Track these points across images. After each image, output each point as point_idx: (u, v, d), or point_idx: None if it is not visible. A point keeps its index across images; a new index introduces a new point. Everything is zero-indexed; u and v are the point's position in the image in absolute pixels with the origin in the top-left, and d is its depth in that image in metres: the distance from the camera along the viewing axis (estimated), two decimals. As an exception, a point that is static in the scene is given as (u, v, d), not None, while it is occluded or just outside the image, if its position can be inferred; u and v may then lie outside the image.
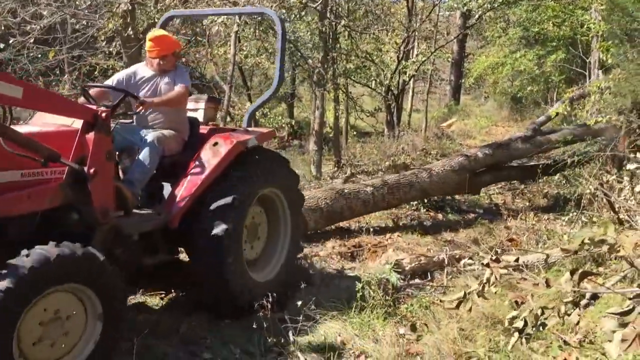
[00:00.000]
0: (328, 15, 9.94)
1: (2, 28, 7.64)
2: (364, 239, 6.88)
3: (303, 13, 10.24)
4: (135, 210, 4.34)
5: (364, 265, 6.06)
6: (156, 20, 7.25)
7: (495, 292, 2.94)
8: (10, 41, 7.41)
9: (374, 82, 13.84)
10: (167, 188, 4.54)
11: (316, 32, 11.06)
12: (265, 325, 4.05)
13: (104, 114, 3.85)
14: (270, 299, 4.23)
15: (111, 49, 8.51)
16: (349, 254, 6.42)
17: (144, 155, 4.37)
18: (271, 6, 8.23)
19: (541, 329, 2.76)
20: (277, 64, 5.27)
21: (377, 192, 7.61)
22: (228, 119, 10.30)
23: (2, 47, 7.43)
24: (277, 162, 5.02)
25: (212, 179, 4.43)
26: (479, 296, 2.80)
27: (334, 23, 10.26)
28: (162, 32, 4.93)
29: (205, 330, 4.39)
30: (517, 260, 2.83)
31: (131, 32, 7.47)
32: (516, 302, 3.16)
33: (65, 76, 9.98)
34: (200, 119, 5.14)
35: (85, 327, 3.44)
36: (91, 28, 8.25)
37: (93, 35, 8.34)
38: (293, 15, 9.84)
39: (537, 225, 6.86)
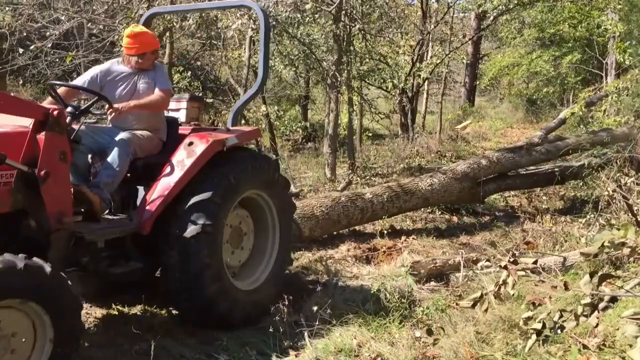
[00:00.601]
0: (342, 18, 9.94)
1: (24, 34, 7.74)
2: (378, 241, 6.86)
3: (317, 16, 10.27)
4: (108, 216, 4.18)
5: (379, 268, 6.04)
6: (174, 24, 7.32)
7: (513, 294, 2.92)
8: (31, 47, 7.50)
9: (390, 84, 13.81)
10: (141, 192, 4.32)
11: (330, 35, 11.07)
12: (281, 328, 4.06)
13: (56, 112, 3.56)
14: (287, 302, 4.22)
15: (127, 53, 8.57)
16: (364, 257, 6.40)
17: (112, 157, 4.16)
18: (286, 10, 8.27)
19: (559, 331, 2.73)
20: (260, 59, 5.02)
21: (375, 199, 7.33)
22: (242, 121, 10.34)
23: (21, 52, 7.52)
24: (263, 163, 4.72)
25: (186, 181, 4.19)
26: (495, 297, 2.78)
27: (348, 26, 10.25)
28: (142, 28, 4.67)
29: (221, 332, 4.40)
30: (535, 262, 2.81)
31: (147, 36, 7.51)
32: (533, 303, 3.13)
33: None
34: (183, 118, 4.92)
35: (34, 346, 3.14)
36: (110, 32, 8.33)
37: (111, 40, 8.42)
38: (307, 19, 9.86)
39: (554, 228, 6.79)
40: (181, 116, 4.94)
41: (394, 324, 4.45)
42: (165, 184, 4.16)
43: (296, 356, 4.03)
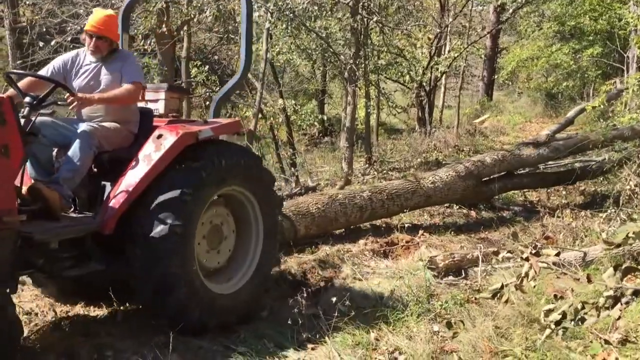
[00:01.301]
0: (360, 11, 9.89)
1: (44, 29, 7.82)
2: (396, 236, 6.83)
3: (334, 9, 10.22)
4: (72, 214, 3.93)
5: (397, 262, 6.03)
6: (191, 16, 7.34)
7: (534, 287, 2.88)
8: (52, 42, 7.58)
9: (407, 77, 13.73)
10: (108, 188, 4.01)
11: (347, 29, 11.03)
12: (299, 321, 4.06)
13: None
14: (305, 295, 4.22)
15: (146, 47, 8.64)
16: (382, 251, 6.39)
17: (73, 150, 3.85)
18: (303, 2, 8.24)
19: (580, 324, 2.69)
20: (242, 46, 4.69)
21: (375, 197, 7.09)
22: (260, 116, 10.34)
23: (41, 45, 7.60)
24: (244, 157, 4.39)
25: (152, 176, 3.89)
26: (516, 289, 2.75)
27: (365, 19, 10.20)
28: (111, 12, 4.40)
29: (239, 324, 4.41)
30: (557, 254, 2.77)
31: (165, 30, 7.56)
32: (555, 296, 3.08)
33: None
34: (161, 110, 4.61)
35: None
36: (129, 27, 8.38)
37: (131, 34, 8.48)
38: (325, 12, 9.82)
39: (573, 223, 6.71)
40: (159, 107, 4.63)
41: (411, 318, 4.43)
42: (129, 180, 3.88)
43: (313, 349, 4.03)
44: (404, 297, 4.74)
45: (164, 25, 7.50)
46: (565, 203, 8.55)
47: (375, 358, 3.84)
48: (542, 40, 19.35)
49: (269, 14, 8.24)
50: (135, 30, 8.34)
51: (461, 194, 7.89)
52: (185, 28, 8.74)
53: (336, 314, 4.28)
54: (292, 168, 10.46)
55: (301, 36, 10.99)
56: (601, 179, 9.15)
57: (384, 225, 7.54)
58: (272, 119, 11.06)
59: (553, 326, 2.57)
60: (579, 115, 11.45)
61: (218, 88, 11.76)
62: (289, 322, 4.15)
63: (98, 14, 4.23)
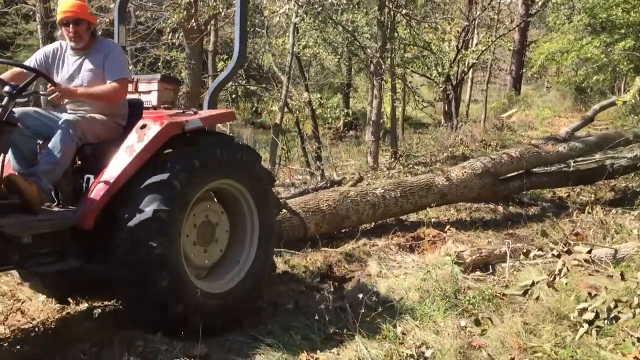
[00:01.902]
0: (387, 3, 9.83)
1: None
2: (422, 230, 6.80)
3: (361, 2, 10.19)
4: (55, 208, 3.77)
5: (423, 256, 6.00)
6: (220, 10, 7.37)
7: (566, 284, 2.84)
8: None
9: (434, 72, 13.63)
10: (91, 181, 3.81)
11: (374, 22, 10.97)
12: (326, 314, 4.07)
13: None
14: (332, 288, 4.22)
15: (174, 41, 8.71)
16: (408, 246, 6.36)
17: (54, 142, 3.68)
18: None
19: (613, 322, 2.65)
20: (236, 35, 4.48)
21: (388, 195, 6.90)
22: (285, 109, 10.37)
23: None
24: (243, 153, 4.19)
25: (134, 168, 3.70)
26: (549, 286, 2.71)
27: (393, 12, 10.14)
28: None
29: (266, 316, 4.44)
30: (589, 251, 2.72)
31: (194, 24, 7.61)
32: (589, 293, 3.04)
33: (130, 67, 10.28)
34: (154, 102, 4.45)
35: None
36: (157, 21, 8.46)
37: (159, 28, 8.56)
38: (351, 5, 9.79)
39: (604, 220, 6.59)
40: (152, 99, 4.46)
41: (438, 313, 4.41)
42: (110, 173, 3.70)
43: (340, 342, 4.03)
44: (430, 292, 4.71)
45: (193, 20, 7.54)
46: (595, 199, 8.41)
47: (402, 352, 3.82)
48: (572, 34, 19.00)
49: (296, 7, 8.23)
50: (164, 24, 8.41)
51: (477, 192, 7.65)
52: (212, 22, 8.78)
53: (363, 308, 4.28)
54: (318, 162, 10.47)
55: (327, 30, 10.97)
56: (632, 175, 8.96)
57: (410, 219, 7.51)
58: (297, 112, 11.09)
59: (586, 326, 2.52)
60: (601, 111, 11.23)
61: (244, 82, 11.86)
62: (315, 315, 4.17)
63: (67, 1, 3.99)
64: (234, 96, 12.57)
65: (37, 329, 4.15)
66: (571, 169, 8.92)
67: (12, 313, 4.37)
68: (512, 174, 8.16)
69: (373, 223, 7.05)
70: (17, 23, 17.04)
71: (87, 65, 4.00)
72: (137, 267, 3.58)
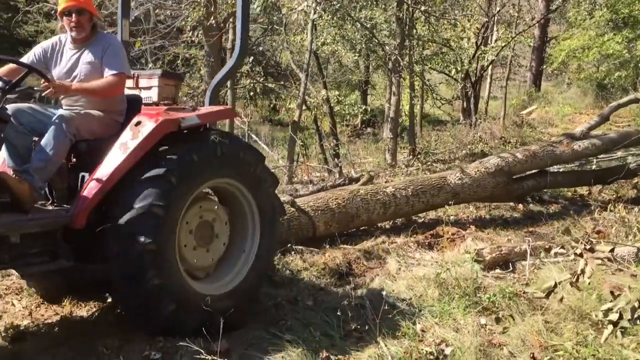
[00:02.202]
0: (406, 0, 9.79)
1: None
2: (441, 228, 6.76)
3: (380, -1, 10.17)
4: (49, 207, 3.68)
5: (442, 254, 5.97)
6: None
7: (589, 283, 2.81)
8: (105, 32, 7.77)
9: (454, 69, 13.55)
10: (86, 179, 3.70)
11: (392, 19, 10.94)
12: (345, 310, 4.08)
13: None
14: (351, 285, 4.22)
15: (193, 39, 8.76)
16: (427, 243, 6.34)
17: (46, 138, 3.59)
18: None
19: (637, 322, 2.62)
20: (238, 29, 4.35)
21: (399, 193, 6.74)
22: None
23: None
24: (246, 153, 4.09)
25: (127, 166, 3.60)
26: (572, 286, 2.68)
27: (411, 8, 10.09)
28: None
29: (285, 312, 4.46)
30: (612, 250, 2.69)
31: (213, 22, 7.64)
32: (612, 292, 3.00)
33: (150, 66, 10.36)
34: (155, 98, 4.33)
35: None
36: (177, 19, 8.52)
37: (179, 26, 8.62)
38: (370, 2, 9.76)
39: (626, 218, 6.51)
40: (153, 95, 4.34)
41: (458, 310, 4.39)
42: (104, 170, 3.60)
43: (360, 339, 4.04)
44: (450, 289, 4.70)
45: (212, 18, 7.58)
46: (617, 197, 8.30)
47: (422, 350, 3.81)
48: (594, 30, 18.75)
49: (315, 4, 8.23)
50: (184, 22, 8.47)
51: (491, 192, 7.48)
52: (231, 19, 8.82)
53: (382, 305, 4.28)
54: (336, 159, 10.47)
55: (346, 27, 10.96)
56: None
57: (429, 216, 7.48)
58: (315, 110, 11.09)
59: (611, 327, 2.49)
60: (619, 109, 11.08)
61: (262, 79, 11.88)
62: (335, 311, 4.17)
63: None
64: (252, 94, 12.61)
65: (60, 324, 4.22)
66: (593, 167, 8.81)
67: (36, 307, 4.45)
68: (526, 173, 8.05)
69: (391, 221, 7.00)
70: (38, 21, 17.26)
71: (86, 58, 3.92)
72: (129, 264, 3.50)
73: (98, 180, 3.58)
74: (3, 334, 3.94)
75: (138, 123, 3.73)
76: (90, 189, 3.57)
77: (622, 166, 8.44)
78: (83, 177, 3.71)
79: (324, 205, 6.14)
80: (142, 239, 3.47)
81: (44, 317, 4.32)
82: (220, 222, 4.06)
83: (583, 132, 8.88)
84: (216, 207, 4.06)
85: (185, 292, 3.71)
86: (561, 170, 8.75)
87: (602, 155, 8.97)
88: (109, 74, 3.85)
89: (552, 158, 8.17)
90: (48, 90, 3.62)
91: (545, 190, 8.38)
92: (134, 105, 4.07)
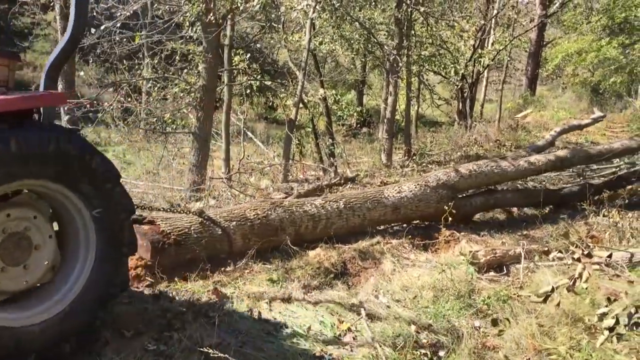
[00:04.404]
0: (405, 0, 9.80)
1: (93, 13, 7.98)
2: (436, 230, 6.76)
3: (379, -1, 10.17)
4: None
5: (437, 255, 5.99)
6: (239, 4, 7.36)
7: (586, 288, 2.82)
8: (102, 27, 7.74)
9: (452, 70, 13.58)
10: None
11: (391, 19, 10.95)
12: (339, 310, 4.08)
13: None
14: (346, 285, 4.21)
15: (191, 34, 8.74)
16: (422, 245, 6.34)
17: None
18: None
19: (634, 328, 2.63)
20: (72, 5, 3.44)
21: (329, 205, 6.06)
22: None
23: (93, 31, 7.77)
24: (59, 144, 3.06)
25: None
26: (568, 291, 2.70)
27: (410, 9, 10.10)
28: None
29: (277, 312, 4.45)
30: (610, 256, 2.70)
31: (212, 18, 7.62)
32: (608, 298, 3.02)
33: (147, 60, 10.34)
34: None
35: None
36: (176, 14, 8.50)
37: (177, 21, 8.60)
38: (369, 2, 9.76)
39: (620, 223, 6.55)
40: None
41: (452, 312, 4.41)
42: None
43: (354, 338, 4.04)
44: (444, 291, 4.71)
45: (211, 14, 7.56)
46: (611, 203, 8.33)
47: (416, 351, 3.83)
48: (590, 34, 18.86)
49: (314, 3, 8.22)
50: (182, 18, 8.44)
51: (435, 207, 6.81)
52: (229, 16, 8.80)
53: (376, 305, 4.29)
54: (331, 158, 10.47)
55: (344, 26, 10.96)
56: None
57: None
58: (312, 108, 11.09)
59: (607, 333, 2.50)
60: (563, 134, 11.21)
61: (259, 76, 11.87)
62: (329, 310, 4.18)
63: None
64: (248, 91, 12.60)
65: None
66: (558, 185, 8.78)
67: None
68: (474, 191, 7.65)
69: (267, 245, 5.75)
70: (35, 13, 17.15)
71: None
72: None
73: None
74: None
75: None
76: None
77: (583, 187, 8.30)
78: None
79: (240, 216, 5.39)
80: None
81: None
82: (40, 235, 3.19)
83: (528, 152, 8.76)
84: (33, 217, 3.16)
85: None
86: (510, 188, 8.32)
87: (597, 166, 8.98)
88: None
89: (499, 175, 7.68)
90: None
91: (463, 224, 7.40)
92: None
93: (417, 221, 7.01)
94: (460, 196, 7.33)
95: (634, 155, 9.60)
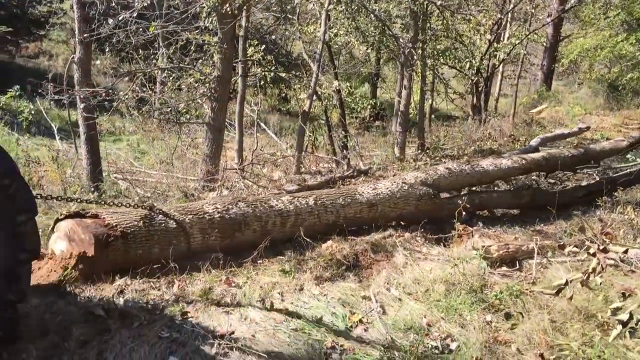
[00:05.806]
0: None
1: (112, 3, 8.03)
2: (449, 225, 6.74)
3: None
4: None
5: (449, 249, 5.98)
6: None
7: (600, 283, 2.82)
8: (120, 17, 7.78)
9: (467, 64, 13.50)
10: None
11: (407, 12, 10.89)
12: (351, 302, 4.09)
13: None
14: (358, 277, 4.23)
15: (207, 25, 8.75)
16: (434, 239, 6.33)
17: None
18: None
19: (648, 325, 2.62)
20: None
21: (298, 202, 5.71)
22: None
23: (110, 22, 7.81)
24: None
25: None
26: (582, 285, 2.69)
27: (426, 2, 10.04)
28: None
29: (289, 302, 4.47)
30: (626, 251, 2.70)
31: (228, 8, 7.63)
32: (623, 294, 3.01)
33: (162, 50, 10.37)
34: None
35: None
36: (192, 5, 8.51)
37: (194, 12, 8.61)
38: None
39: (635, 220, 6.49)
40: None
41: (465, 306, 4.41)
42: None
43: (365, 330, 4.06)
44: (456, 285, 4.71)
45: (227, 5, 7.57)
46: (626, 199, 8.26)
47: (428, 343, 3.83)
48: (608, 30, 18.62)
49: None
50: (198, 8, 8.45)
51: (416, 205, 6.62)
52: (245, 7, 8.79)
53: (388, 298, 4.30)
54: (344, 150, 10.47)
55: (359, 18, 10.92)
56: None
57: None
58: (326, 100, 11.07)
59: (620, 327, 2.49)
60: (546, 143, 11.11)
61: (273, 68, 11.86)
62: (341, 302, 4.19)
63: None
64: (262, 82, 12.61)
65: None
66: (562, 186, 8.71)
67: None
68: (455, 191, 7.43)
69: (230, 241, 5.45)
70: (52, 2, 17.29)
71: None
72: None
73: None
74: None
75: None
76: None
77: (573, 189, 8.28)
78: None
79: (198, 210, 5.07)
80: None
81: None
82: None
83: (510, 156, 8.71)
84: None
85: None
86: (494, 189, 8.22)
87: (619, 165, 8.92)
88: None
89: (480, 174, 7.53)
90: None
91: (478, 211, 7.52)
92: None
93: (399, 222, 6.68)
94: (450, 195, 7.24)
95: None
